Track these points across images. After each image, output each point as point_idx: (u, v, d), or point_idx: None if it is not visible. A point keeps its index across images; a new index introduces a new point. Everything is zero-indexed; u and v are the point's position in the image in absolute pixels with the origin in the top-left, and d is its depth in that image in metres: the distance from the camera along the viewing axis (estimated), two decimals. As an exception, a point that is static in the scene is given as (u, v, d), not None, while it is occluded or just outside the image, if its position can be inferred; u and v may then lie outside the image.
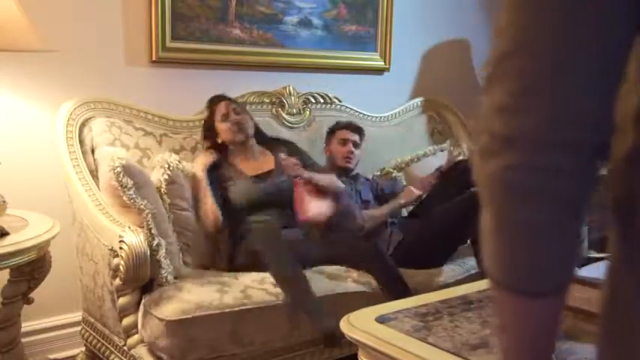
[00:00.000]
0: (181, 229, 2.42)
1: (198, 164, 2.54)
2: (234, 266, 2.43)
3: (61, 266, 2.32)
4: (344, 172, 2.92)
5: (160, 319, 2.00)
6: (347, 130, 2.97)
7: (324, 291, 2.26)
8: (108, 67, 2.66)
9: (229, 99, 2.68)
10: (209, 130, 2.64)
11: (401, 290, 2.27)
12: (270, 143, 2.77)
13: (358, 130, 3.00)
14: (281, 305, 2.17)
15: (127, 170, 2.16)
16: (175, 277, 2.19)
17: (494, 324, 0.69)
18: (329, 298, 2.25)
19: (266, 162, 2.69)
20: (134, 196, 2.15)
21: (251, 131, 2.65)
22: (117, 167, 2.14)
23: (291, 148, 2.77)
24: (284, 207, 2.54)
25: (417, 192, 2.89)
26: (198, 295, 2.08)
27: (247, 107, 2.86)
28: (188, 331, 2.00)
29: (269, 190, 2.56)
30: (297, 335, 2.23)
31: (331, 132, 3.00)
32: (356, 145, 2.96)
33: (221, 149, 2.64)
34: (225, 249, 2.52)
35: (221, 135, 2.62)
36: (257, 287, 2.20)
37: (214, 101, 2.67)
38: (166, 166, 2.42)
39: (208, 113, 2.67)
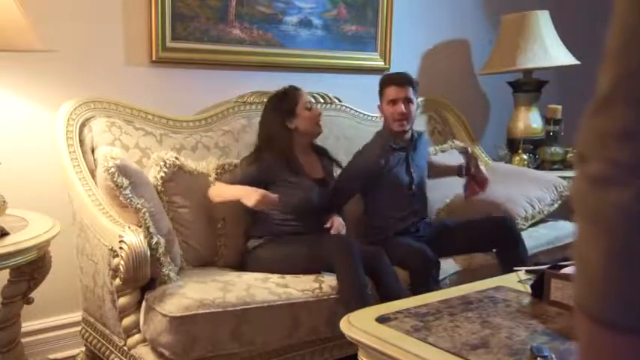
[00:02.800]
0: (180, 227, 2.42)
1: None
2: (242, 267, 2.43)
3: (61, 266, 2.33)
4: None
5: (163, 315, 2.00)
6: (394, 87, 2.68)
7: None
8: (108, 67, 2.66)
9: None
10: (289, 114, 2.56)
11: (395, 293, 2.23)
12: (317, 150, 2.73)
13: (410, 82, 2.69)
14: (283, 305, 2.17)
15: (122, 170, 2.15)
16: (178, 275, 2.19)
17: None
18: (330, 301, 2.26)
19: (314, 167, 2.65)
20: (130, 195, 2.14)
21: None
22: (111, 167, 2.14)
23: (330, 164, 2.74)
24: (317, 215, 2.54)
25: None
26: (201, 293, 2.08)
27: (247, 107, 2.87)
28: (190, 328, 2.00)
29: (322, 199, 2.56)
30: (297, 336, 2.23)
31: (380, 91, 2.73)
32: (409, 101, 2.67)
33: (282, 142, 2.55)
34: (234, 246, 2.52)
35: (300, 123, 2.58)
36: (260, 286, 2.21)
37: (297, 89, 2.63)
38: (162, 163, 2.42)
39: (290, 98, 2.59)
